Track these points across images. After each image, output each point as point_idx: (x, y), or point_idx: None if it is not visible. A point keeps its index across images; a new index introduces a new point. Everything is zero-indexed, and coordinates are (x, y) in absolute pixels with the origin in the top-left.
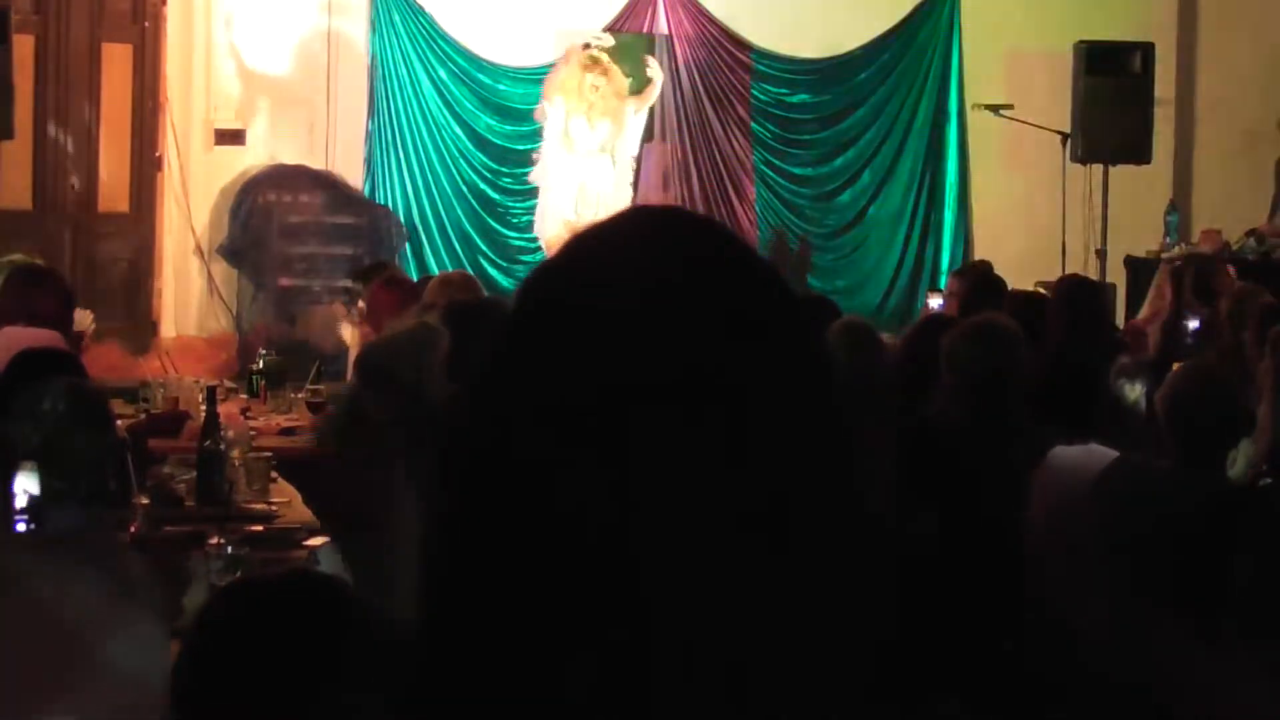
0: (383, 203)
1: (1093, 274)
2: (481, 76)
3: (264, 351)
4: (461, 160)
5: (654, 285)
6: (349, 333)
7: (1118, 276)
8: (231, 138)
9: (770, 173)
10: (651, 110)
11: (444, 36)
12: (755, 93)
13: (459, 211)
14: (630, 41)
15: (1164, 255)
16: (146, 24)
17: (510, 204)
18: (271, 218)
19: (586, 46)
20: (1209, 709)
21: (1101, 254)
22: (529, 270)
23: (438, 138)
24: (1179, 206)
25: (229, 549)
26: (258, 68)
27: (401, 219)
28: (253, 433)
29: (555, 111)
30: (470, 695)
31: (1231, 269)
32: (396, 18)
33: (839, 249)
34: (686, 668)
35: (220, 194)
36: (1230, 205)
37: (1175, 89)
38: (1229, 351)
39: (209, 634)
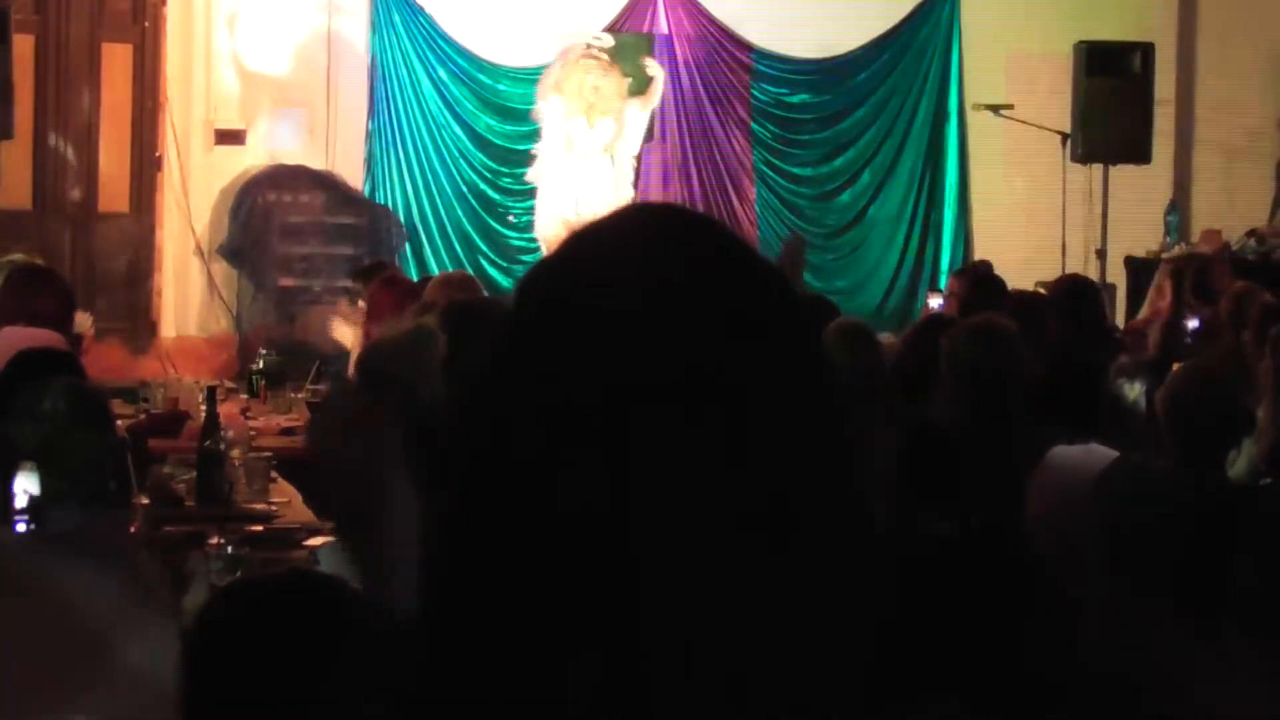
0: (383, 203)
1: (1093, 274)
2: (481, 76)
3: (264, 351)
4: (461, 160)
5: (655, 285)
6: (342, 333)
7: (1118, 276)
8: (231, 138)
9: (770, 173)
10: (651, 110)
11: (444, 36)
12: (755, 93)
13: (459, 211)
14: (630, 41)
15: (1164, 255)
16: (146, 24)
17: (510, 204)
18: (271, 218)
19: (587, 47)
20: (1209, 709)
21: (1101, 254)
22: (528, 268)
23: (438, 138)
24: (1179, 206)
25: (229, 549)
26: (258, 68)
27: (401, 219)
28: (253, 433)
29: (555, 112)
30: (472, 696)
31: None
32: (396, 18)
33: (839, 249)
34: (688, 667)
35: (220, 194)
36: (1230, 205)
37: (1175, 89)
38: (1229, 351)
39: (209, 634)
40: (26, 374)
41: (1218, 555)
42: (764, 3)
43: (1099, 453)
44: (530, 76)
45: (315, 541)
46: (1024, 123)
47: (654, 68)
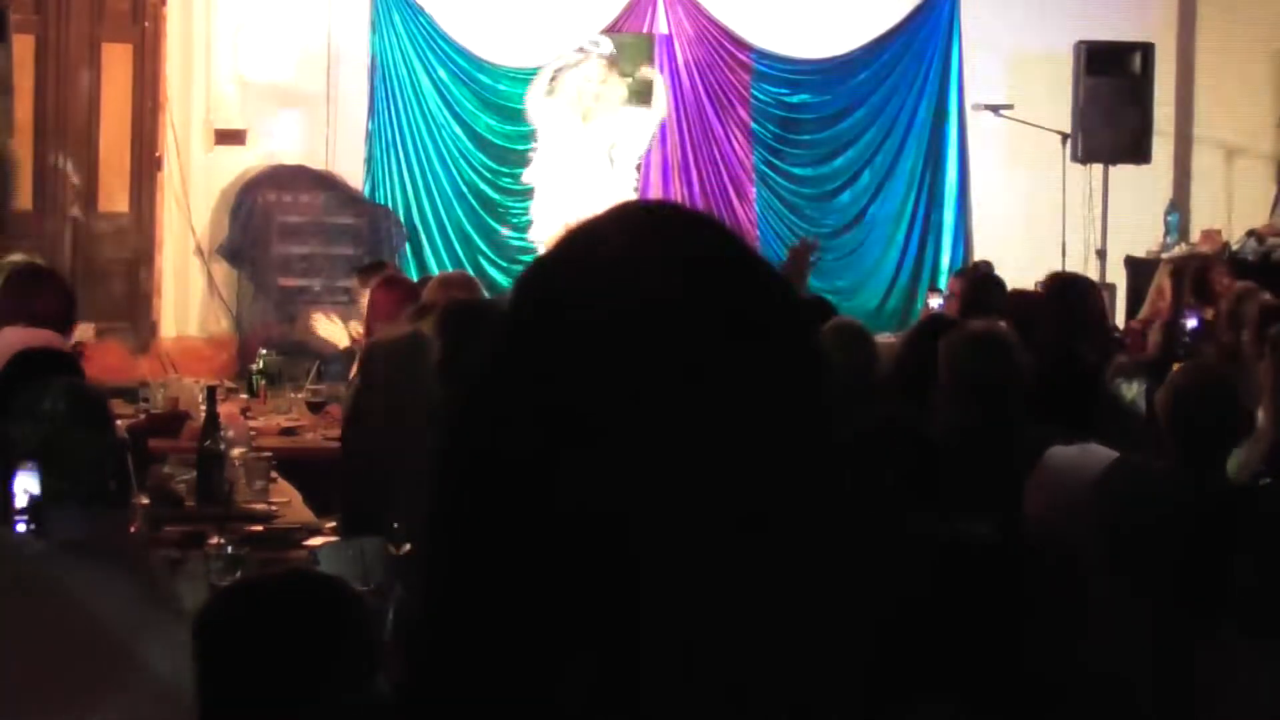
0: (383, 203)
1: (1093, 274)
2: (481, 76)
3: (264, 351)
4: (461, 160)
5: (651, 284)
6: (328, 330)
7: (1118, 276)
8: (231, 138)
9: (770, 173)
10: (659, 121)
11: (444, 37)
12: (755, 93)
13: (459, 211)
14: (630, 41)
15: (1164, 255)
16: (146, 24)
17: (510, 204)
18: (271, 218)
19: (583, 51)
20: (1209, 709)
21: (1101, 254)
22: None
23: (438, 138)
24: (1179, 206)
25: (229, 549)
26: (258, 67)
27: (401, 219)
28: (253, 433)
29: (552, 115)
30: (470, 695)
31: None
32: (397, 18)
33: (839, 249)
34: (686, 668)
35: (220, 194)
36: (1230, 205)
37: (1175, 89)
38: (1228, 351)
39: (209, 634)
40: (26, 374)
41: (1218, 555)
42: (764, 3)
43: (1096, 452)
44: (530, 77)
45: (315, 541)
46: (1024, 123)
47: (654, 74)
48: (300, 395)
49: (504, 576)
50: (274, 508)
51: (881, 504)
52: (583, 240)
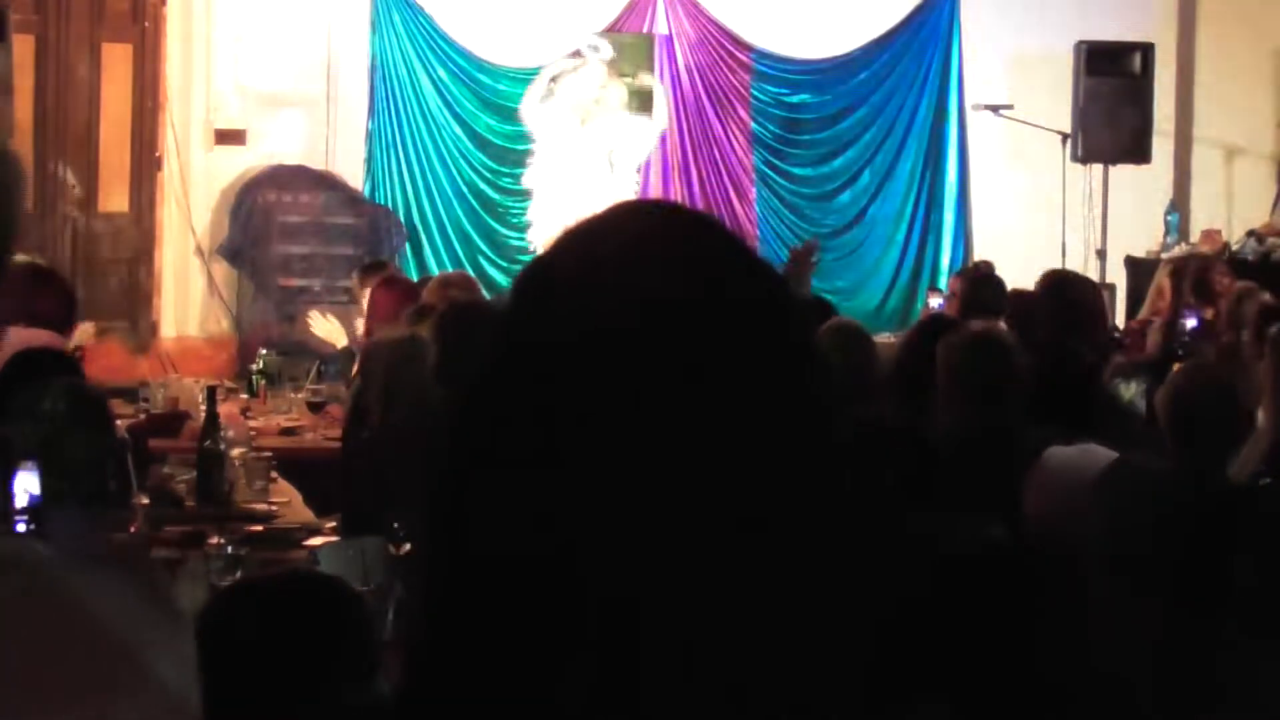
0: (383, 203)
1: (1093, 274)
2: (481, 76)
3: (264, 351)
4: (461, 160)
5: (652, 285)
6: (325, 329)
7: (1118, 276)
8: (231, 138)
9: (770, 173)
10: (662, 129)
11: (444, 37)
12: (755, 93)
13: (459, 211)
14: (630, 42)
15: (1164, 255)
16: (146, 24)
17: (510, 204)
18: (271, 218)
19: (580, 55)
20: (1210, 708)
21: (1101, 254)
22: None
23: (438, 138)
24: (1179, 206)
25: (229, 549)
26: (258, 68)
27: (401, 219)
28: (253, 433)
29: (550, 118)
30: (470, 695)
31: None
32: (397, 18)
33: (839, 249)
34: (686, 668)
35: (220, 194)
36: (1230, 205)
37: (1175, 89)
38: (1228, 351)
39: (209, 634)
40: (26, 374)
41: (1218, 555)
42: (764, 3)
43: (1095, 452)
44: (530, 77)
45: (315, 541)
46: (1024, 123)
47: (654, 82)
48: (300, 395)
49: (504, 576)
50: (274, 508)
51: (881, 504)
52: (582, 240)
